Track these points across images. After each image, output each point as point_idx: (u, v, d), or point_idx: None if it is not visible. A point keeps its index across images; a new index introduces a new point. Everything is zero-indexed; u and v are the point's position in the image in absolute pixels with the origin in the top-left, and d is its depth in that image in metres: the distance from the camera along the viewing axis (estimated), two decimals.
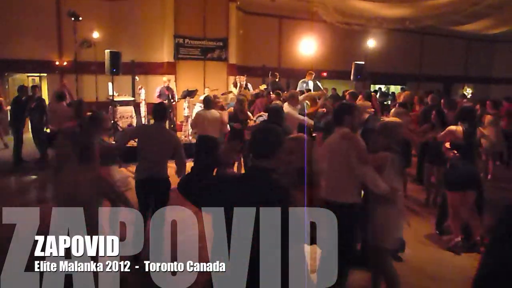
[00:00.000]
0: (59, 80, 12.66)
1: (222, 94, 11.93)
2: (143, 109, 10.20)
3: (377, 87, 18.96)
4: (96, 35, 10.99)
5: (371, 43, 16.72)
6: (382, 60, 17.26)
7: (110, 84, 10.14)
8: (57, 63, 12.60)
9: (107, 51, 9.73)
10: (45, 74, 13.09)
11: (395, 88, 19.65)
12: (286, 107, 6.96)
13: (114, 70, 9.67)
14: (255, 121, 7.44)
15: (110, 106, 11.41)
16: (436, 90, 16.50)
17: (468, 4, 11.76)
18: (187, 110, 10.47)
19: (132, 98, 11.55)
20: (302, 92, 10.36)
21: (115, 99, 11.25)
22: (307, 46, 14.11)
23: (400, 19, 13.02)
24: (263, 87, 10.81)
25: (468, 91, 21.01)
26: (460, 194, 4.81)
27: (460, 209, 4.85)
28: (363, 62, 12.97)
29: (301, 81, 12.57)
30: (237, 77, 11.33)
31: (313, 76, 12.40)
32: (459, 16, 12.93)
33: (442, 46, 20.11)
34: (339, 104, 4.39)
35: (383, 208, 3.49)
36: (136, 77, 10.59)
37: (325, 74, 16.74)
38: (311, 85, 12.38)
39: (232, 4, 13.09)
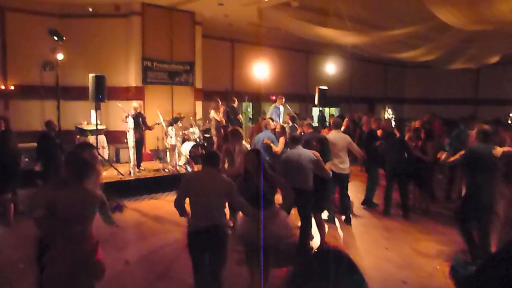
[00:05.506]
0: (2, 106, 11.16)
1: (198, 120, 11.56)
2: (131, 139, 9.23)
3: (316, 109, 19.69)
4: (60, 56, 9.78)
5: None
6: (322, 83, 18.04)
7: (92, 111, 9.16)
8: (2, 87, 11.04)
9: (91, 75, 8.77)
10: None
11: (329, 110, 20.64)
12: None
13: (100, 96, 8.76)
14: None
15: (77, 136, 10.37)
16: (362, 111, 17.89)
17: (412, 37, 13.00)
18: (174, 139, 9.83)
19: (104, 127, 10.59)
20: (293, 118, 10.49)
21: (85, 128, 10.29)
22: (257, 70, 14.18)
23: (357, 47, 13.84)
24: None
25: (389, 112, 23.04)
26: None
27: None
28: (326, 87, 13.49)
29: (272, 105, 12.66)
30: (218, 101, 11.04)
31: (283, 100, 12.56)
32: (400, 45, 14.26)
33: (366, 70, 21.79)
34: None
35: None
36: (119, 104, 9.63)
37: (273, 97, 17.00)
38: (282, 109, 12.54)
39: (198, 27, 12.67)
